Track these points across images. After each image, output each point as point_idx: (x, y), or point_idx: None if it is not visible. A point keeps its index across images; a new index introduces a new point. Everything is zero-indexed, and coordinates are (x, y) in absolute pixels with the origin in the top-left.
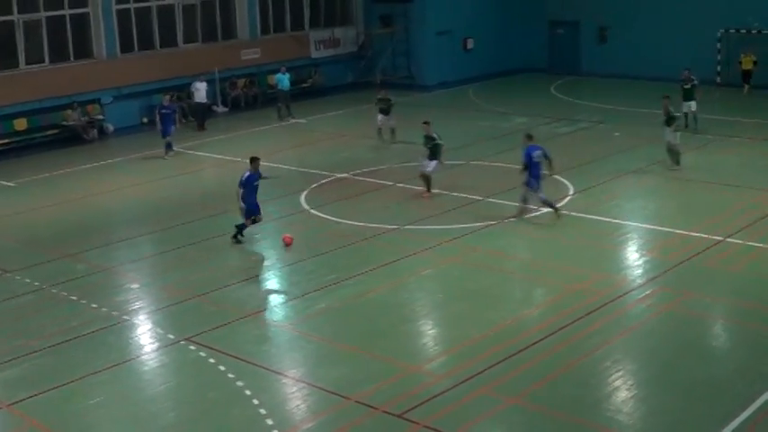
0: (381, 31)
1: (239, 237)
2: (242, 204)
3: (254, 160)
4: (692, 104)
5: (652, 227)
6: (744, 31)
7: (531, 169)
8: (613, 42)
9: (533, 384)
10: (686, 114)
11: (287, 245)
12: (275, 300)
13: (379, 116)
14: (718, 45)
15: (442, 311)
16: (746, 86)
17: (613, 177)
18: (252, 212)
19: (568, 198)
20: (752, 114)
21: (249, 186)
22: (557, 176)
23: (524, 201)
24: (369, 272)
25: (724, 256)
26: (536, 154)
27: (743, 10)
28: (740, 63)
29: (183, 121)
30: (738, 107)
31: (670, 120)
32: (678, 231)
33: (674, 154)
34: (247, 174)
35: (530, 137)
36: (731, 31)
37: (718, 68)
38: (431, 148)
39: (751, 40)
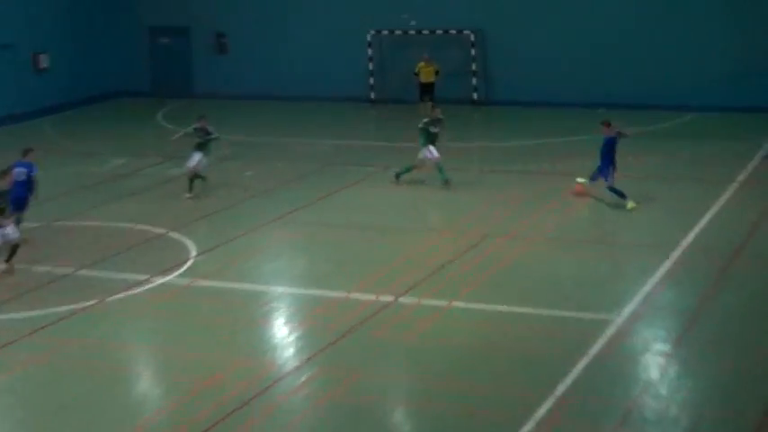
0: None
1: None
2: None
3: (27, 152)
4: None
5: (304, 291)
6: (399, 32)
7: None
8: (236, 53)
9: None
10: (439, 168)
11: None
12: None
13: None
14: (370, 51)
15: None
16: (430, 104)
17: (248, 230)
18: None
19: (190, 262)
20: (413, 135)
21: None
22: (172, 235)
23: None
24: None
25: (397, 321)
26: (18, 171)
27: (395, 5)
28: (417, 74)
29: None
30: (405, 128)
31: (202, 145)
32: (337, 294)
33: (194, 180)
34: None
35: (26, 151)
36: (384, 32)
37: (371, 81)
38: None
39: (409, 43)
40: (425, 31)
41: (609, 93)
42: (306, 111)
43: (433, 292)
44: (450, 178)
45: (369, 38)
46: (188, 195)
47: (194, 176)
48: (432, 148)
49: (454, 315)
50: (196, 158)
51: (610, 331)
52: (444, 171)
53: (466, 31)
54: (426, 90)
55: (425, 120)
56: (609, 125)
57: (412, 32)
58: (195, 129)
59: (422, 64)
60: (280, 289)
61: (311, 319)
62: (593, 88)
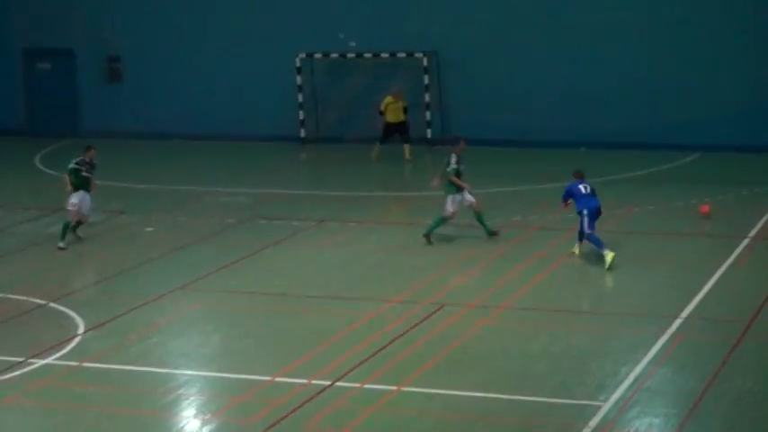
0: None
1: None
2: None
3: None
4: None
5: (219, 374)
6: (336, 55)
7: None
8: (133, 81)
9: None
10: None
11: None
12: None
13: None
14: (299, 79)
15: None
16: (407, 146)
17: (149, 300)
18: None
19: (77, 340)
20: (353, 183)
21: None
22: (55, 306)
23: None
24: None
25: (334, 410)
26: None
27: (330, 23)
28: (382, 113)
29: None
30: (343, 173)
31: (87, 182)
32: (261, 377)
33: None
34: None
35: None
36: (317, 56)
37: (301, 115)
38: None
39: (348, 69)
40: (368, 54)
41: (593, 129)
42: (221, 152)
43: (379, 374)
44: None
45: (298, 63)
46: (62, 245)
47: (78, 223)
48: (456, 197)
49: (404, 402)
50: (87, 200)
51: (595, 421)
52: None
53: (417, 54)
54: (394, 131)
55: (453, 159)
56: (581, 176)
57: (351, 55)
58: (79, 162)
59: (389, 99)
60: (189, 372)
61: (229, 408)
62: (575, 124)
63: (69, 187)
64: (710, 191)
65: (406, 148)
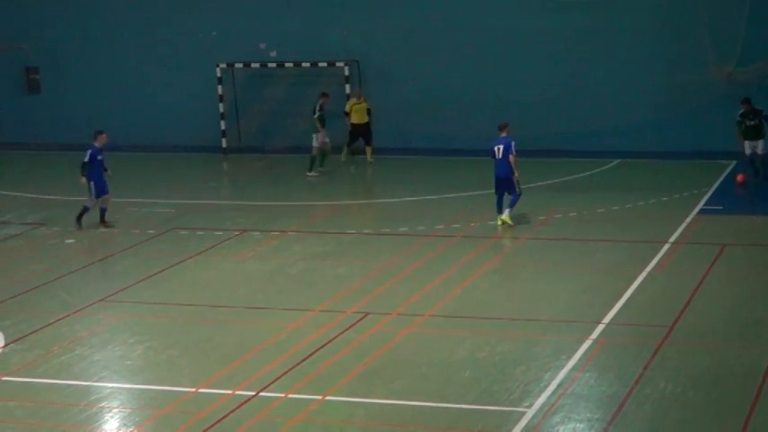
0: None
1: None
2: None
3: (98, 134)
4: (759, 144)
5: (142, 386)
6: (257, 65)
7: None
8: (52, 92)
9: None
10: (752, 159)
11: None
12: None
13: None
14: (220, 89)
15: None
16: (368, 148)
17: (71, 312)
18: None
19: None
20: (275, 193)
21: (95, 162)
22: None
23: None
24: None
25: (258, 421)
26: None
27: (250, 32)
28: (347, 114)
29: None
30: (266, 182)
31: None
32: (184, 389)
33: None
34: (90, 150)
35: None
36: (237, 66)
37: (223, 125)
38: None
39: (269, 79)
40: (289, 64)
41: (517, 138)
42: (142, 163)
43: (303, 383)
44: None
45: (218, 73)
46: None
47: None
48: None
49: (329, 411)
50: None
51: (519, 427)
52: None
53: (339, 63)
54: (358, 133)
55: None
56: (503, 128)
57: (272, 65)
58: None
59: (353, 101)
60: (112, 384)
61: (152, 421)
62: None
63: None
64: (631, 197)
65: (368, 150)
